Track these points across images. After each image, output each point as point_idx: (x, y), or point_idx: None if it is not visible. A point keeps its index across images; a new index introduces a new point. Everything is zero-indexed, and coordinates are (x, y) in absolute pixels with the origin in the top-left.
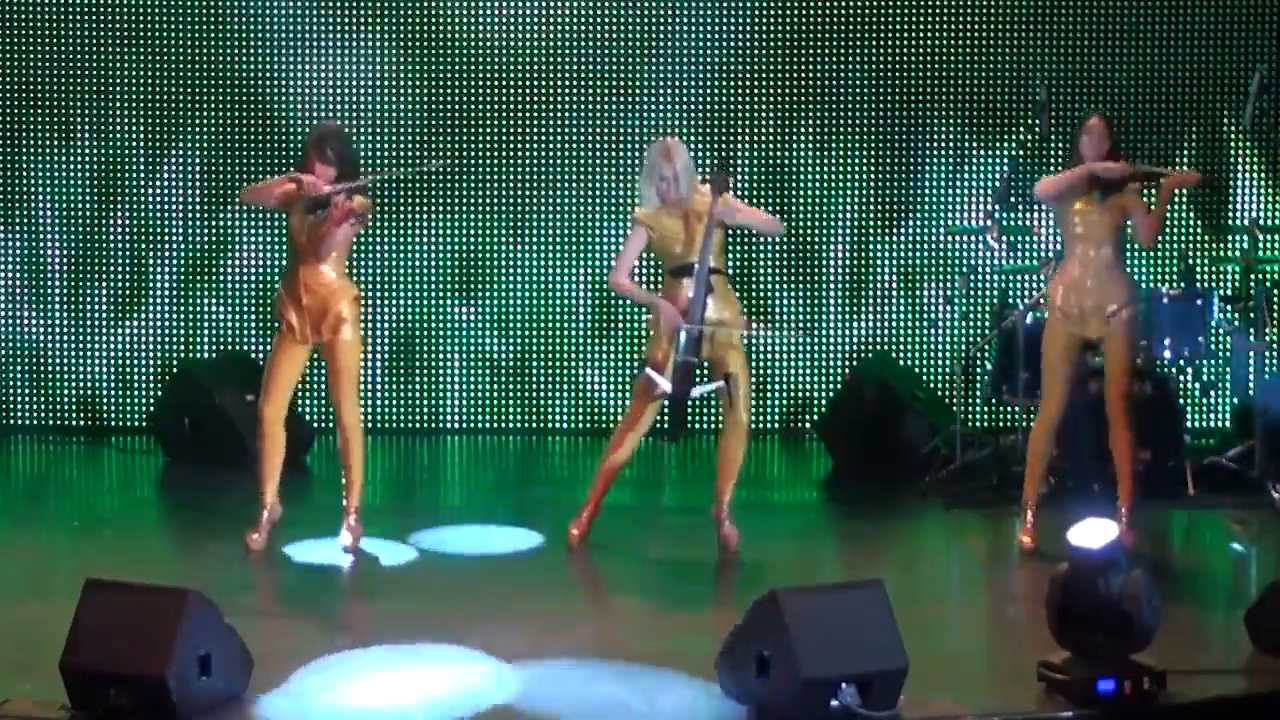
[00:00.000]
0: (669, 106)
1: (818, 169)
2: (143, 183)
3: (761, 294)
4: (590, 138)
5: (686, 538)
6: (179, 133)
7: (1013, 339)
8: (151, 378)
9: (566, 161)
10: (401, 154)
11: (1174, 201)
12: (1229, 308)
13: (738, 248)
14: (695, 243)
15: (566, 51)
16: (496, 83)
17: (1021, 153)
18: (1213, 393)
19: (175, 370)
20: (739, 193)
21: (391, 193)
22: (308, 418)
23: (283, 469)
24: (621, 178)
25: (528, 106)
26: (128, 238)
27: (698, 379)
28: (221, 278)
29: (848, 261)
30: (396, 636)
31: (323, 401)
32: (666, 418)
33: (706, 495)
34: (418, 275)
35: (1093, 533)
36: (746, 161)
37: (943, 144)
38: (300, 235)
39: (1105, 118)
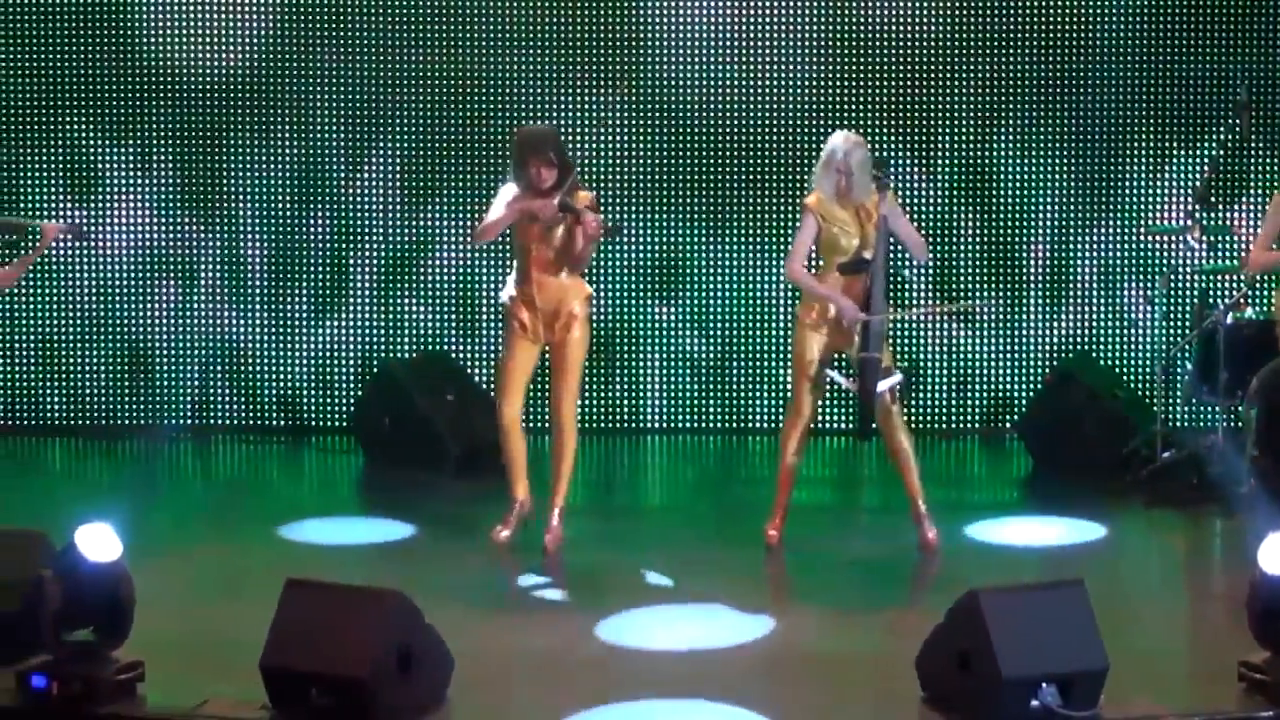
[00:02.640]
0: (869, 106)
1: (1018, 169)
2: (343, 182)
3: (962, 294)
4: (790, 137)
5: (886, 538)
6: (379, 132)
7: (1213, 339)
8: (351, 378)
9: (766, 161)
10: (602, 155)
11: None
12: None
13: (937, 248)
14: (862, 238)
15: (766, 51)
16: (697, 83)
17: (1222, 153)
18: None
19: (375, 370)
20: (941, 193)
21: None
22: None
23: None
24: None
25: (728, 106)
26: (328, 237)
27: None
28: (421, 277)
29: (1048, 261)
30: (597, 637)
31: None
32: (854, 417)
33: (904, 495)
34: (618, 276)
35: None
36: (946, 162)
37: (1143, 144)
38: (533, 243)
39: None
